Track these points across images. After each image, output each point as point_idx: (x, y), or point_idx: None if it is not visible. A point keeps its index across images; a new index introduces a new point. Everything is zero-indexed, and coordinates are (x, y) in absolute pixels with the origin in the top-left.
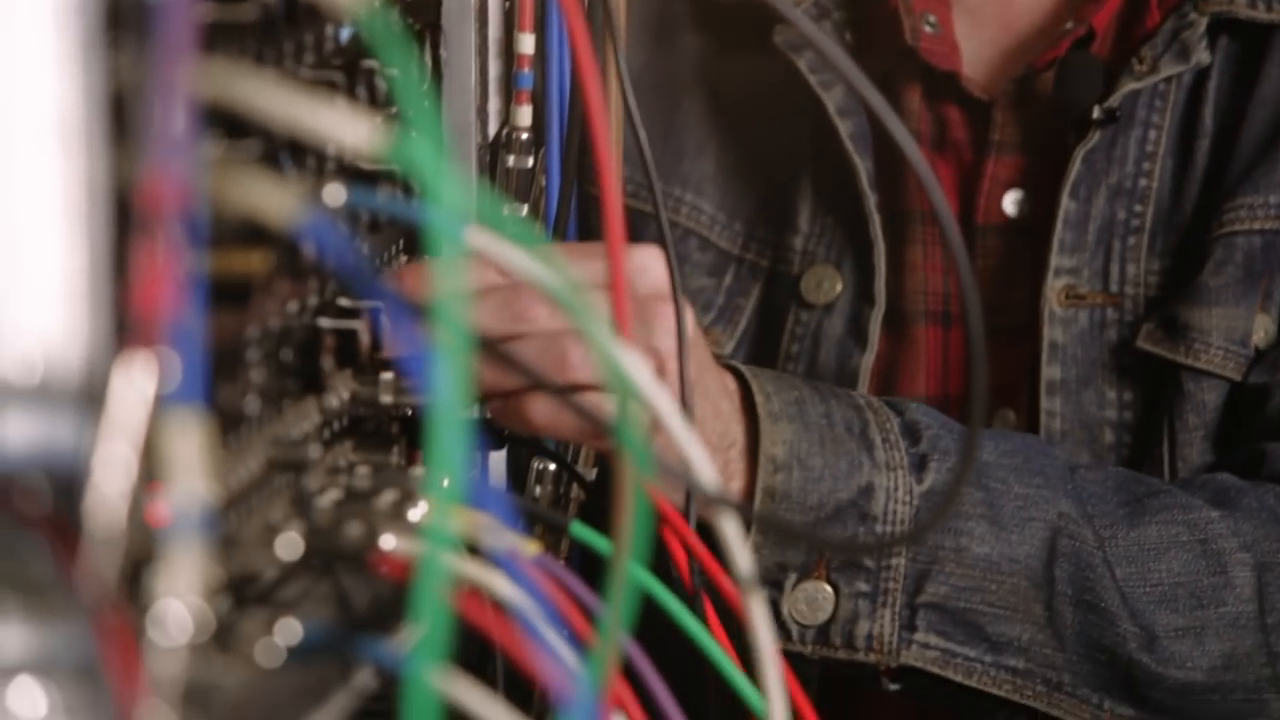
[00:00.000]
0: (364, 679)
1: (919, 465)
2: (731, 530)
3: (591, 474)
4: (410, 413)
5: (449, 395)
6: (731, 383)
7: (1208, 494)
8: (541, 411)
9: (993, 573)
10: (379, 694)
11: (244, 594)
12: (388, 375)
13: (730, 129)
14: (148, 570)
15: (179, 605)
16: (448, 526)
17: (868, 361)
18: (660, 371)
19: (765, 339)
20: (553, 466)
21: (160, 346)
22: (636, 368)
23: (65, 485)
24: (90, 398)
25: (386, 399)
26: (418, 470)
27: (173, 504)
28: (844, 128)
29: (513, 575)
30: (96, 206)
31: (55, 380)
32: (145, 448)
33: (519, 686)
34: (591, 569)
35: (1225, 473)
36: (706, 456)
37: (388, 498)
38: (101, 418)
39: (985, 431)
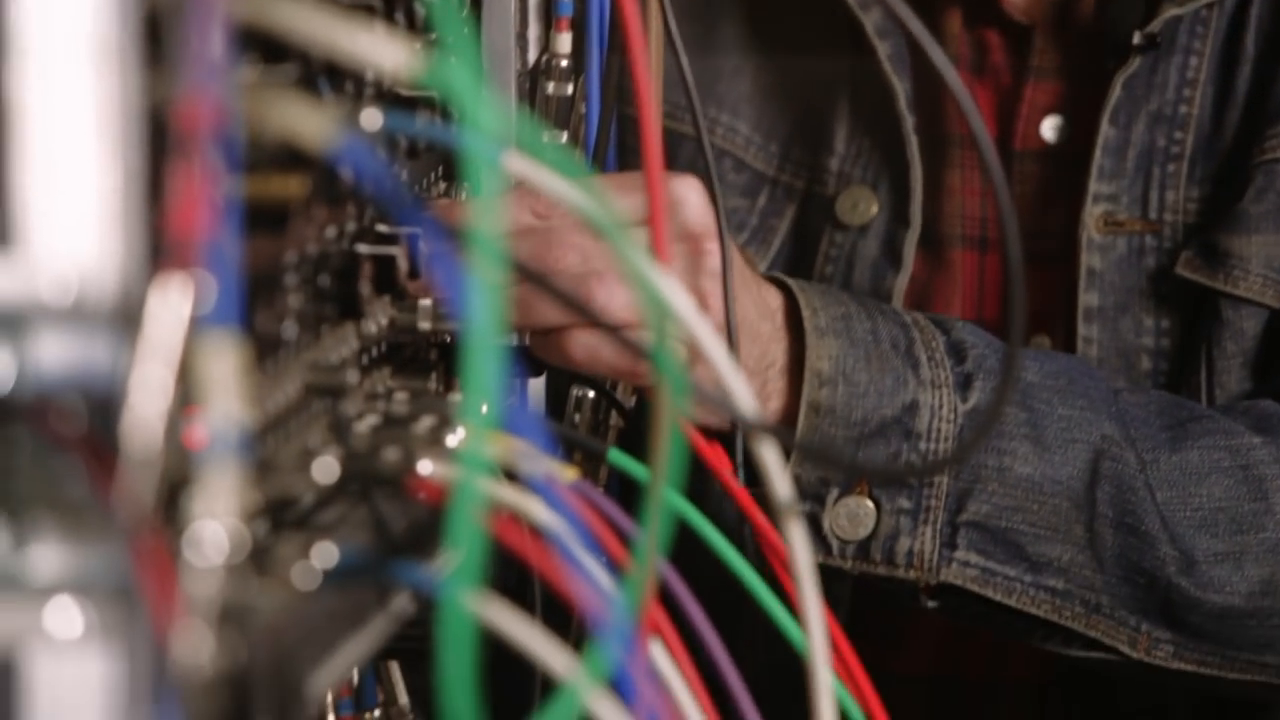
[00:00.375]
0: (401, 604)
1: (964, 384)
2: (770, 456)
3: (630, 401)
4: (448, 339)
5: (486, 322)
6: (775, 299)
7: (1250, 420)
8: (580, 346)
9: (1035, 493)
10: (416, 620)
11: (281, 518)
12: (426, 302)
13: (767, 50)
14: (184, 492)
15: (215, 526)
16: (484, 452)
17: (901, 283)
18: (703, 307)
19: (799, 260)
20: (591, 394)
21: (196, 269)
22: (675, 298)
23: (101, 406)
24: (126, 319)
25: (425, 325)
26: (456, 397)
27: (209, 426)
28: (882, 49)
29: (550, 501)
30: (132, 128)
31: (91, 301)
32: (181, 370)
33: (556, 611)
34: (629, 496)
35: (1267, 400)
36: (746, 384)
37: (425, 423)
38: (138, 339)
39: (1030, 353)
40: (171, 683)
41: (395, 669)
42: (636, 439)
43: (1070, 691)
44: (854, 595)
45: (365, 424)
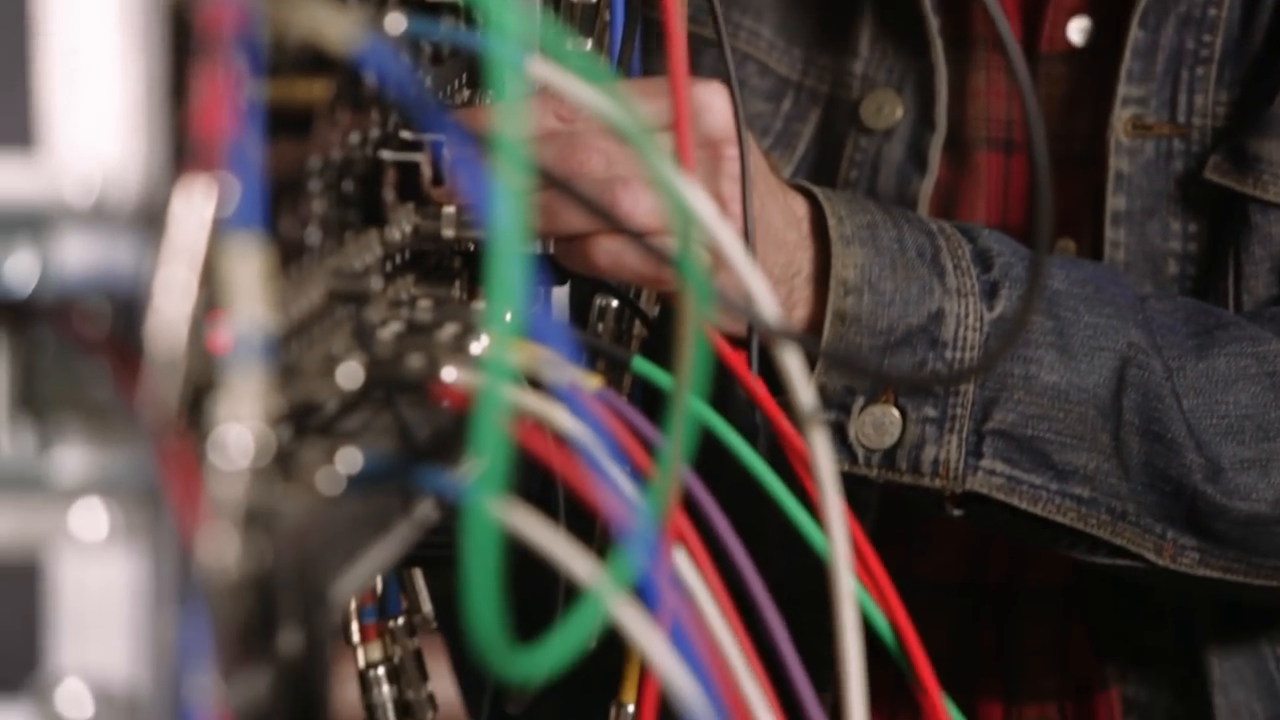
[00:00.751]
0: (425, 510)
1: (990, 292)
2: (794, 363)
3: (654, 311)
4: (472, 247)
5: (510, 228)
6: (801, 207)
7: (1276, 327)
8: (604, 253)
9: (1061, 401)
10: (440, 526)
11: (304, 424)
12: (450, 209)
13: None
14: (209, 396)
15: (240, 430)
16: (508, 359)
17: (927, 187)
18: (725, 213)
19: (823, 165)
20: (615, 303)
21: (219, 171)
22: (699, 203)
23: (125, 309)
24: (149, 221)
25: (448, 233)
26: (479, 304)
27: (233, 329)
28: None
29: (574, 408)
30: (155, 28)
31: (114, 203)
32: (206, 273)
33: (580, 518)
34: (653, 405)
35: None
36: (769, 290)
37: (449, 331)
38: (161, 241)
39: (1057, 259)
40: (197, 585)
41: (419, 576)
42: (660, 347)
43: (1093, 598)
44: (881, 501)
45: (389, 331)
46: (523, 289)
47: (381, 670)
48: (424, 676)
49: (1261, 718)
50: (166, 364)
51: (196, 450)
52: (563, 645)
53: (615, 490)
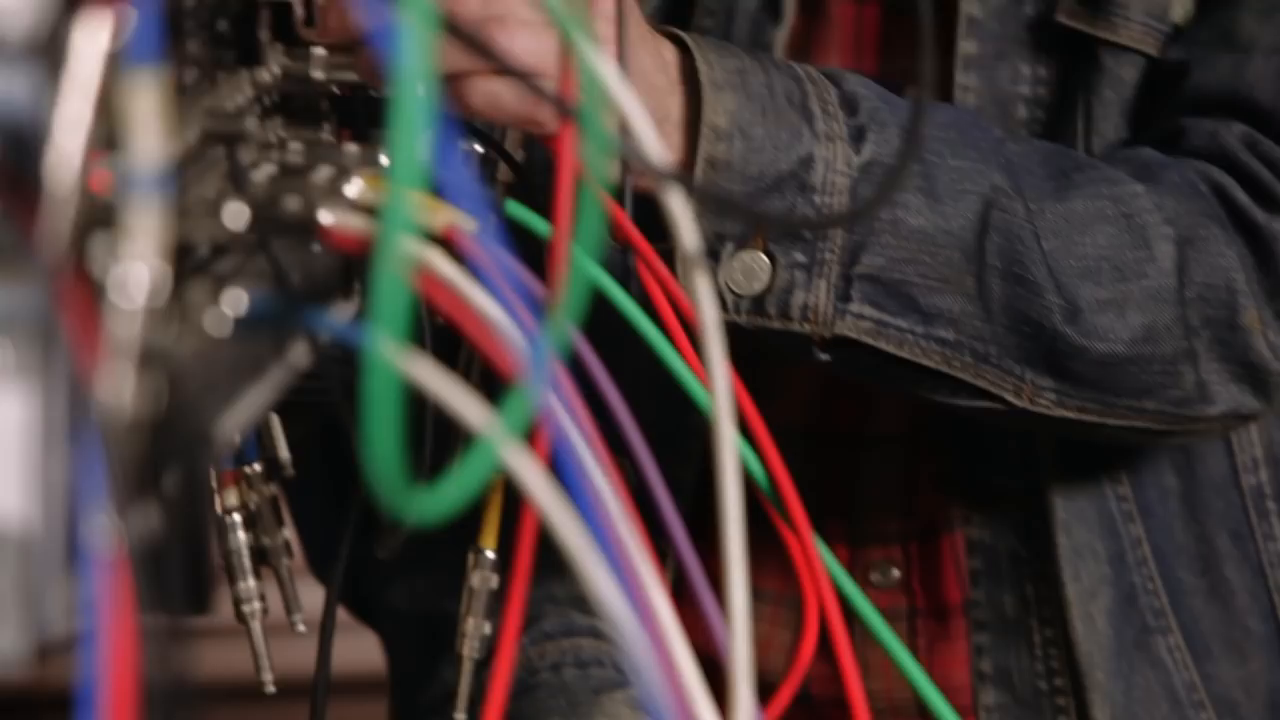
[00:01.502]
0: (298, 355)
1: (857, 136)
2: (678, 204)
3: (519, 155)
4: (339, 90)
5: (412, 67)
6: (670, 53)
7: (1131, 169)
8: (479, 93)
9: (927, 245)
10: (312, 373)
11: (181, 266)
12: (320, 50)
13: None
14: (102, 234)
15: (139, 266)
16: (407, 203)
17: (781, 36)
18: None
19: (674, 13)
20: (479, 148)
21: (117, 3)
22: (580, 43)
23: (19, 143)
24: (46, 53)
25: (318, 74)
26: (350, 147)
27: (130, 165)
28: None
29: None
30: None
31: (8, 35)
32: (102, 107)
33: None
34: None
35: (1146, 148)
36: (653, 130)
37: (323, 173)
38: (58, 74)
39: (919, 104)
40: (91, 424)
41: (275, 422)
42: (526, 195)
43: (938, 443)
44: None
45: (262, 174)
46: (424, 130)
47: (238, 516)
48: (280, 523)
49: (1103, 556)
50: (63, 200)
51: (93, 288)
52: (459, 487)
53: (501, 332)
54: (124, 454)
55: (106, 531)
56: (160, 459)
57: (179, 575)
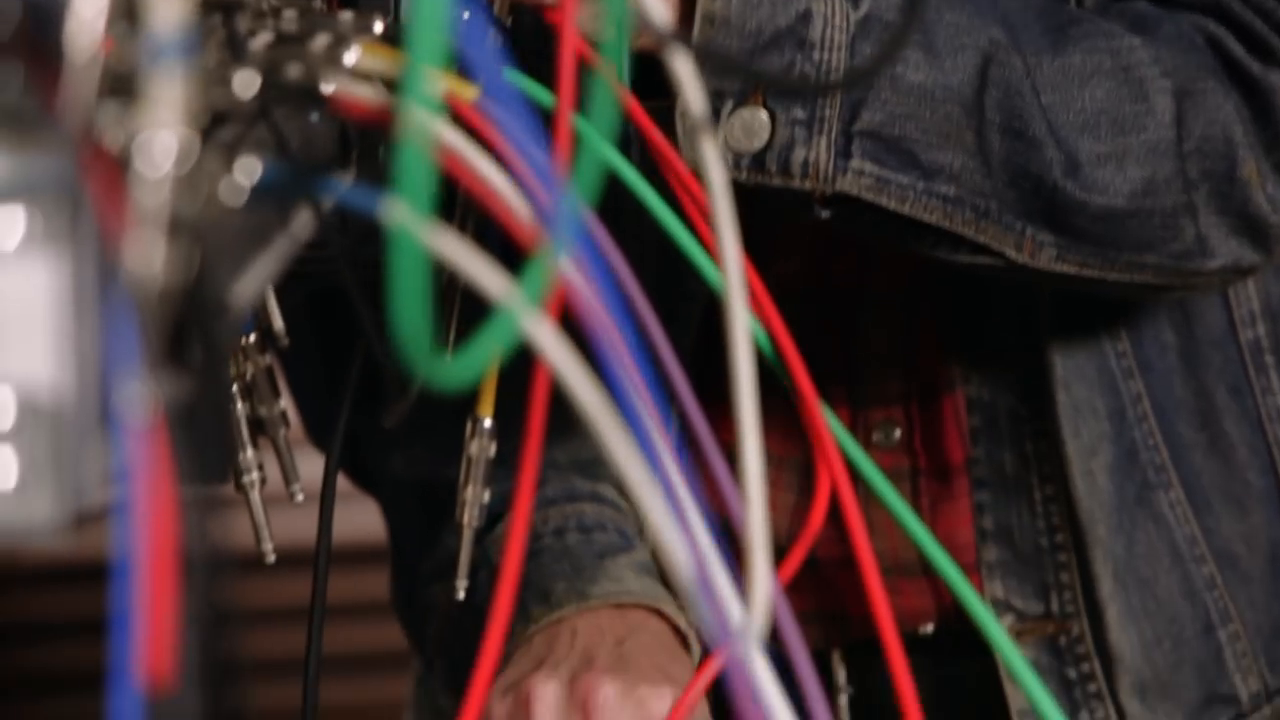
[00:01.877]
0: (302, 224)
1: None
2: (684, 67)
3: (507, 21)
4: None
5: None
6: None
7: (1126, 21)
8: None
9: (927, 100)
10: (316, 243)
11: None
12: None
13: None
14: (128, 101)
15: (165, 134)
16: (429, 76)
17: None
18: None
19: None
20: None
21: None
22: None
23: (41, 9)
24: None
25: None
26: (344, 14)
27: (152, 33)
28: None
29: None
30: None
31: None
32: None
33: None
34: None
35: (1140, 0)
36: None
37: (321, 41)
38: None
39: None
40: (121, 292)
41: (270, 292)
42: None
43: (938, 300)
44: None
45: (260, 41)
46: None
47: (234, 387)
48: (276, 393)
49: (1102, 413)
50: (86, 66)
51: (119, 155)
52: (480, 355)
53: (531, 201)
54: (156, 322)
55: (141, 399)
56: (189, 327)
57: (208, 443)
